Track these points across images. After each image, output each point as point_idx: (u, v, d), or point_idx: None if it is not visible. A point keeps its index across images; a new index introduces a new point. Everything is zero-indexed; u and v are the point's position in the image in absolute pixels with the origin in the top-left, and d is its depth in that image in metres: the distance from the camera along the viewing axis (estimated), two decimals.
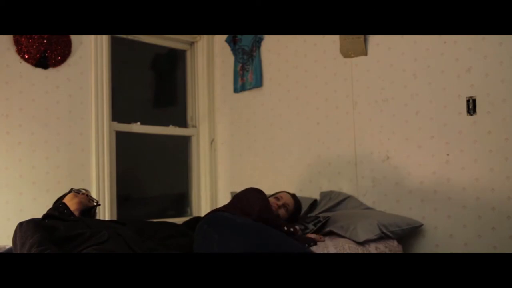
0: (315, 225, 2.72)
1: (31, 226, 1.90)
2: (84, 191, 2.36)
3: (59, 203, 2.25)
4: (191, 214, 3.98)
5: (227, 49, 3.95)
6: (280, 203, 2.72)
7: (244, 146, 3.84)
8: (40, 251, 1.74)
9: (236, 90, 3.88)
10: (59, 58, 3.17)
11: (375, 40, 3.11)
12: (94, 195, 3.11)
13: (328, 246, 2.49)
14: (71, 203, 2.24)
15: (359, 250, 2.52)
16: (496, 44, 2.63)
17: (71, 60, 3.24)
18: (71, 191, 2.34)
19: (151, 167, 3.95)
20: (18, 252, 1.86)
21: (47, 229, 1.92)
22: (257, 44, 3.74)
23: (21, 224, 1.94)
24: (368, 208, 3.03)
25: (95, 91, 3.32)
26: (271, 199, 2.72)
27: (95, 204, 2.38)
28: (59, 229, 1.94)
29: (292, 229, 2.44)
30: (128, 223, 2.24)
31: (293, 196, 2.84)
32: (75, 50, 3.26)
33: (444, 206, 2.78)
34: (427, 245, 2.83)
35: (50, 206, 2.29)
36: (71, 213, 2.18)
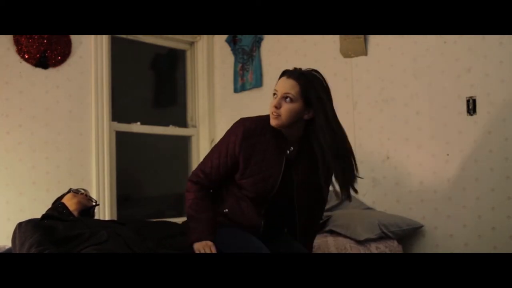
0: None
1: (30, 226, 1.90)
2: (83, 191, 2.36)
3: (58, 203, 2.25)
4: None
5: (227, 49, 3.94)
6: (278, 104, 1.80)
7: None
8: (39, 251, 1.74)
9: (236, 90, 3.87)
10: (59, 58, 3.17)
11: (375, 40, 3.10)
12: (94, 195, 3.11)
13: (329, 246, 2.50)
14: (70, 203, 2.24)
15: (360, 249, 2.52)
16: (496, 44, 2.63)
17: (71, 60, 3.23)
18: (70, 191, 2.34)
19: (151, 167, 3.95)
20: (17, 252, 1.86)
21: (46, 229, 1.92)
22: (257, 44, 3.73)
23: (20, 225, 1.94)
24: (368, 208, 3.03)
25: (95, 91, 3.32)
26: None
27: (94, 204, 2.38)
28: (58, 229, 1.94)
29: None
30: (128, 223, 2.24)
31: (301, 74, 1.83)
32: (75, 50, 3.26)
33: (444, 206, 2.78)
34: (427, 245, 2.83)
35: (50, 206, 2.29)
36: (70, 213, 2.18)
